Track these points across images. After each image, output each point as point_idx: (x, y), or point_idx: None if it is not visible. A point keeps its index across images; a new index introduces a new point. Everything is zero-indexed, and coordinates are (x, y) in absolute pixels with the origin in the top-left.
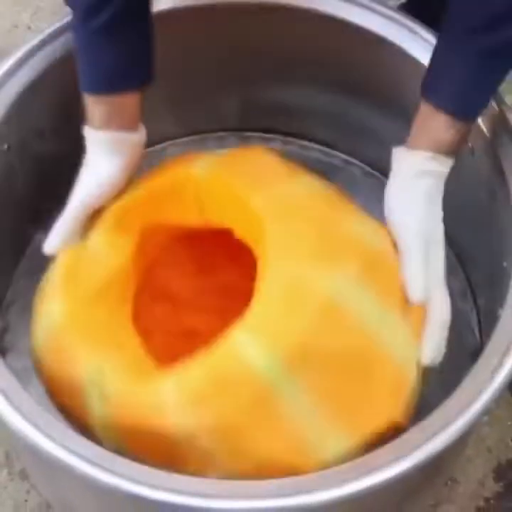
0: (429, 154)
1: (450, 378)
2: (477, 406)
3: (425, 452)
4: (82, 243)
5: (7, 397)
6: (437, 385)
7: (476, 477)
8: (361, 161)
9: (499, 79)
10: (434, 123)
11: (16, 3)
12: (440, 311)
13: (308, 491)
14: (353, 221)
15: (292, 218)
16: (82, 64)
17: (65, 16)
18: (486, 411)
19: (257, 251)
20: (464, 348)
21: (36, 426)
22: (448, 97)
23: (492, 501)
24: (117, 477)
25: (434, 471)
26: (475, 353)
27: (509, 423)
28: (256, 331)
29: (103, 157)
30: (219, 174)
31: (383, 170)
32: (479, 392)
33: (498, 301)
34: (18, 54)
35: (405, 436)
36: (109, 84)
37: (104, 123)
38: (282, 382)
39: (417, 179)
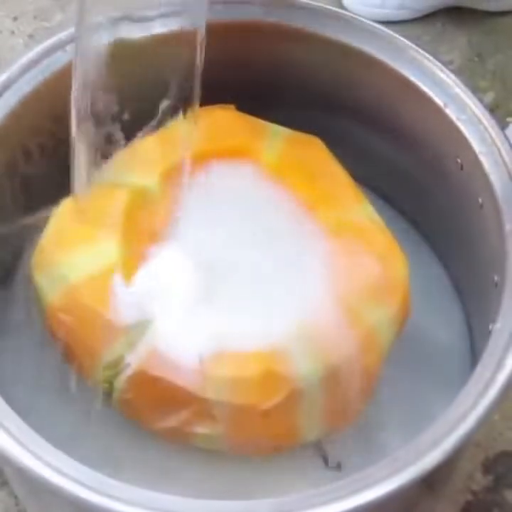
0: None
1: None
2: (471, 419)
3: (418, 468)
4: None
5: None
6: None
7: (464, 471)
8: None
9: None
10: None
11: None
12: None
13: (299, 509)
14: None
15: None
16: None
17: (48, 20)
18: (481, 425)
19: None
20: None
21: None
22: None
23: (480, 495)
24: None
25: (428, 487)
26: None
27: (496, 417)
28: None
29: None
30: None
31: None
32: (473, 407)
33: (488, 315)
34: (8, 73)
35: (398, 453)
36: None
37: None
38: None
39: None
